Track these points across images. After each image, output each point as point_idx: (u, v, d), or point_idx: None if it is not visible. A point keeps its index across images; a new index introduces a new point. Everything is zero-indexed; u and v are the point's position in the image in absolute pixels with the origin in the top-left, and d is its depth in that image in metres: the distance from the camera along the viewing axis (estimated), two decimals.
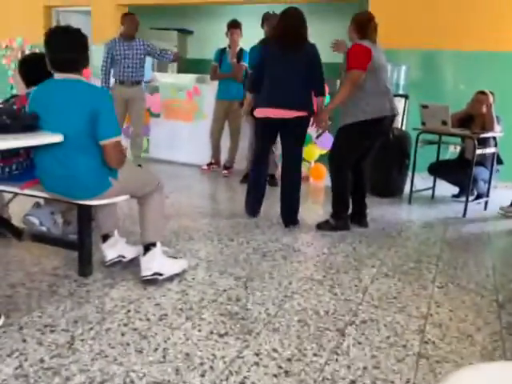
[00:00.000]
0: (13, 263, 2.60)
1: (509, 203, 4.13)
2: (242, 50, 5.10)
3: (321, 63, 3.39)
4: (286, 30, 3.32)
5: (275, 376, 1.71)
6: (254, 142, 3.76)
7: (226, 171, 5.32)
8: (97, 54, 7.45)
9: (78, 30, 2.28)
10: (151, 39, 6.00)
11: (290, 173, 3.53)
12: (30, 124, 2.08)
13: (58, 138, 2.08)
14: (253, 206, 3.68)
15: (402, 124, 4.95)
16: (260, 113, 3.44)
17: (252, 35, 5.16)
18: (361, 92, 3.29)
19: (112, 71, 5.02)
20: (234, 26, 5.05)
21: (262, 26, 4.67)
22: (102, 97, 2.25)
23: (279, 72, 3.33)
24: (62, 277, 2.45)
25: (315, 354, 1.86)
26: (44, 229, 2.69)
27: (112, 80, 5.08)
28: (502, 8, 5.14)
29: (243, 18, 5.40)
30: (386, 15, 5.67)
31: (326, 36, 8.07)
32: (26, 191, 2.44)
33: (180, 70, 8.18)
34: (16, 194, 2.64)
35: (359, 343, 1.96)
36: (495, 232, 3.75)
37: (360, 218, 3.64)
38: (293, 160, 3.52)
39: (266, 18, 4.59)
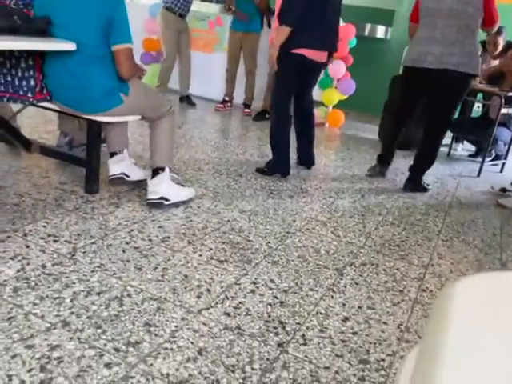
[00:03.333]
0: (21, 174, 2.61)
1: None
2: None
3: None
4: None
5: (270, 305, 1.73)
6: (276, 84, 3.18)
7: (247, 110, 5.20)
8: None
9: None
10: None
11: (310, 114, 3.42)
12: (41, 28, 1.99)
13: (70, 45, 2.00)
14: (286, 163, 3.24)
15: None
16: (301, 51, 2.97)
17: None
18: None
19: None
20: None
21: None
22: (117, 3, 2.14)
23: (329, 12, 2.99)
24: (68, 192, 2.46)
25: (311, 289, 1.87)
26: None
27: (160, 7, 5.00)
28: None
29: None
30: None
31: None
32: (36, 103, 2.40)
33: None
34: (26, 105, 2.60)
35: (356, 284, 1.97)
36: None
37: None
38: (311, 101, 3.42)
39: None
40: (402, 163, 4.08)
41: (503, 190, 3.50)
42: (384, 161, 3.54)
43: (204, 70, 5.55)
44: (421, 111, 3.46)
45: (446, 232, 2.69)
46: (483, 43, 4.41)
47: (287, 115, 3.17)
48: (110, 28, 2.09)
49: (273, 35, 3.06)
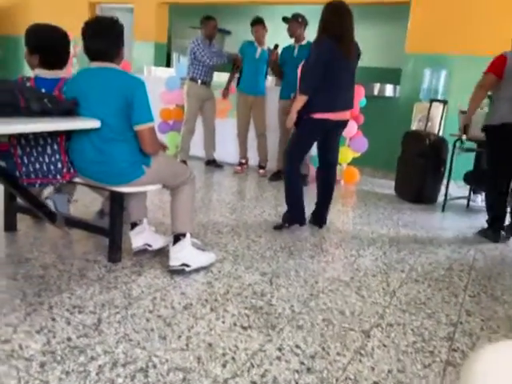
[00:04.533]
0: (46, 245, 2.68)
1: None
2: (277, 45, 5.08)
3: (359, 48, 3.31)
4: (348, 35, 3.12)
5: (297, 372, 1.69)
6: (293, 144, 3.31)
7: (262, 171, 5.31)
8: (138, 50, 7.65)
9: (112, 21, 2.33)
10: (190, 37, 6.09)
11: (332, 172, 3.49)
12: (69, 109, 2.13)
13: (95, 123, 2.13)
14: (302, 213, 3.40)
15: (439, 130, 4.84)
16: (322, 116, 3.14)
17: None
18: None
19: (190, 70, 5.25)
20: (255, 23, 5.05)
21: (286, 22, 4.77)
22: (136, 84, 2.28)
23: (342, 74, 3.14)
24: (92, 261, 2.51)
25: (338, 354, 1.83)
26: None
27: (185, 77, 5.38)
28: None
29: (279, 18, 5.41)
30: (426, 20, 5.59)
31: (371, 39, 8.04)
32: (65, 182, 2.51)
33: (217, 69, 8.27)
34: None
35: (384, 346, 1.92)
36: None
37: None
38: (335, 160, 3.50)
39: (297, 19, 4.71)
40: (419, 216, 4.06)
41: None
42: (500, 224, 3.56)
43: (218, 136, 5.71)
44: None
45: (472, 287, 2.63)
46: (491, 97, 4.49)
47: (299, 172, 3.37)
48: (131, 109, 2.23)
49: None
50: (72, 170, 2.35)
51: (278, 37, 5.36)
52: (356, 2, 6.20)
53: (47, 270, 2.36)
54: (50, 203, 2.73)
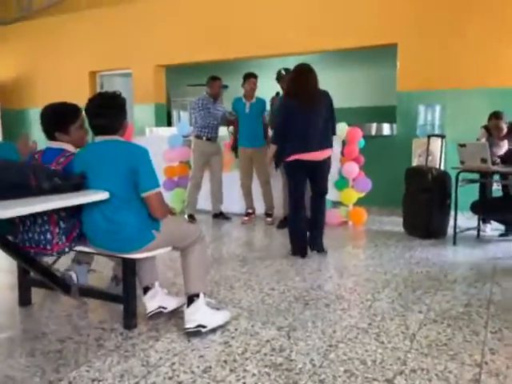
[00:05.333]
0: (61, 317, 2.69)
1: None
2: (260, 99, 5.31)
3: (333, 107, 3.90)
4: (303, 87, 3.77)
5: None
6: (287, 190, 4.03)
7: (269, 219, 5.36)
8: (138, 114, 7.89)
9: (114, 96, 2.45)
10: (188, 95, 6.33)
11: (320, 206, 3.98)
12: (78, 183, 2.21)
13: (103, 195, 2.19)
14: (302, 248, 3.94)
15: (440, 163, 4.89)
16: (292, 157, 3.80)
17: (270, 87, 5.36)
18: None
19: (196, 127, 5.45)
20: (249, 76, 5.27)
21: (278, 81, 5.00)
22: (140, 153, 2.37)
23: (304, 122, 3.77)
24: (108, 330, 2.50)
25: None
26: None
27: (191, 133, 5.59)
28: None
29: (274, 71, 5.62)
30: (414, 59, 5.78)
31: (364, 81, 8.26)
32: (77, 247, 2.55)
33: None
34: (59, 256, 2.75)
35: None
36: None
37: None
38: (323, 195, 3.99)
39: (282, 77, 4.91)
40: (430, 252, 4.04)
41: None
42: None
43: (224, 188, 5.78)
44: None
45: (492, 323, 2.59)
46: (487, 128, 4.58)
47: (297, 208, 3.89)
48: (137, 177, 2.31)
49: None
50: (61, 243, 2.39)
51: (267, 90, 5.57)
52: (345, 48, 6.45)
53: (64, 343, 2.35)
54: (72, 275, 2.77)
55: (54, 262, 2.86)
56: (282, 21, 6.57)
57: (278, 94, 5.25)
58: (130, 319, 2.51)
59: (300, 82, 3.80)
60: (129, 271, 2.49)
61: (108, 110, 2.38)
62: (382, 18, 5.92)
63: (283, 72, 4.89)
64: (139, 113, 7.94)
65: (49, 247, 2.38)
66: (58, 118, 2.61)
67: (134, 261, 2.48)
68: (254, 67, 6.02)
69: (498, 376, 2.02)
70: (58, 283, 2.60)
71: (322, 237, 4.03)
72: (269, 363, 2.14)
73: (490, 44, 5.37)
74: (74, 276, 2.89)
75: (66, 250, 2.47)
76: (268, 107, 5.39)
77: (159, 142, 5.96)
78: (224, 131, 5.78)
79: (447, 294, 3.05)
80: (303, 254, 3.91)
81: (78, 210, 2.42)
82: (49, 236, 2.37)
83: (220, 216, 5.63)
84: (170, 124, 9.01)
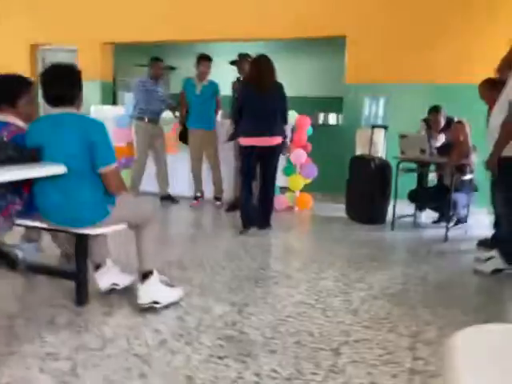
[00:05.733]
0: (9, 294, 2.62)
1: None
2: (212, 82, 5.31)
3: (286, 98, 4.17)
4: (259, 76, 4.07)
5: None
6: (240, 170, 4.35)
7: (218, 202, 5.40)
8: (85, 90, 7.59)
9: (68, 67, 2.42)
10: (136, 75, 6.19)
11: (268, 190, 4.25)
12: (33, 156, 2.16)
13: (61, 169, 2.16)
14: (247, 218, 4.21)
15: (382, 153, 5.16)
16: (246, 142, 4.10)
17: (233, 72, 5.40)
18: None
19: (137, 109, 5.36)
20: (203, 58, 5.26)
21: (235, 65, 5.19)
22: (97, 127, 2.36)
23: (258, 108, 4.06)
24: (59, 307, 2.48)
25: (313, 373, 1.93)
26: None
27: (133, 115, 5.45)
28: (470, 44, 5.50)
29: (224, 55, 5.65)
30: (362, 52, 6.00)
31: (313, 71, 8.44)
32: (23, 221, 2.50)
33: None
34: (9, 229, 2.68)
35: (354, 361, 2.04)
36: (480, 256, 3.89)
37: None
38: (272, 180, 4.25)
39: (238, 61, 5.14)
40: (371, 236, 4.28)
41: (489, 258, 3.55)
42: None
43: (171, 170, 5.75)
44: None
45: (427, 299, 2.82)
46: (426, 121, 4.88)
47: (248, 187, 4.23)
48: (94, 152, 2.29)
49: None
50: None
51: (220, 74, 5.60)
52: (295, 38, 6.58)
53: (14, 320, 2.32)
54: (18, 253, 2.69)
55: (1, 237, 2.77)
56: (234, 6, 6.58)
57: (238, 79, 5.29)
58: (82, 296, 2.50)
59: (258, 72, 4.08)
60: (81, 247, 2.48)
61: (64, 80, 2.34)
62: (333, 10, 6.08)
63: (240, 57, 5.05)
64: (85, 90, 7.65)
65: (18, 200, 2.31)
66: (3, 89, 2.51)
67: (87, 236, 2.47)
68: (204, 50, 5.98)
69: (430, 344, 2.23)
70: (3, 259, 2.54)
71: (270, 216, 4.28)
72: (222, 336, 2.23)
73: (433, 41, 5.68)
74: (20, 253, 2.81)
75: (40, 223, 2.40)
76: (227, 92, 5.44)
77: (105, 121, 5.81)
78: (169, 114, 5.72)
79: (386, 273, 3.27)
80: (245, 226, 4.22)
81: (23, 184, 2.35)
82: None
83: (167, 199, 5.60)
84: (115, 103, 8.77)
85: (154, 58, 5.40)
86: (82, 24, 7.46)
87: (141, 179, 5.44)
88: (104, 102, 7.64)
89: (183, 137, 5.45)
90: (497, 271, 3.30)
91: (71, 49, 7.78)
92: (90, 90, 7.63)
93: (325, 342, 2.20)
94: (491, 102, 3.50)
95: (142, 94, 5.28)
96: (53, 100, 2.36)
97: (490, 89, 3.73)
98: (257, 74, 4.10)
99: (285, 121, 4.22)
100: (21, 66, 7.35)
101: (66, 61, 2.53)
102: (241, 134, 4.18)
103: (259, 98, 4.05)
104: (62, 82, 2.35)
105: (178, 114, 5.54)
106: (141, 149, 5.39)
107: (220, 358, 2.03)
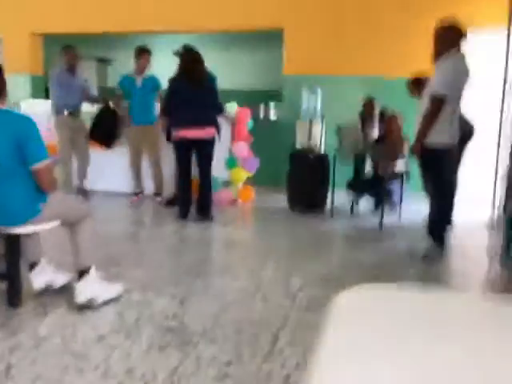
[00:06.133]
0: None
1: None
2: (152, 76, 5.21)
3: (216, 89, 4.30)
4: (193, 68, 4.20)
5: (216, 380, 1.81)
6: (176, 163, 4.54)
7: (159, 198, 5.32)
8: (11, 86, 7.22)
9: None
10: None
11: (204, 182, 4.39)
12: None
13: None
14: (183, 209, 4.38)
15: (320, 145, 5.31)
16: (179, 134, 4.23)
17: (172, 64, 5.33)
18: None
19: (56, 101, 5.10)
20: (142, 51, 5.13)
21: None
22: (27, 123, 2.28)
23: (189, 99, 4.16)
24: None
25: (252, 357, 1.99)
26: None
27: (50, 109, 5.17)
28: (402, 40, 5.77)
29: (162, 47, 5.56)
30: (299, 44, 6.13)
31: (251, 64, 8.49)
32: None
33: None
34: None
35: (292, 344, 2.12)
36: (413, 241, 4.10)
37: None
38: (207, 172, 4.37)
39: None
40: (310, 224, 4.41)
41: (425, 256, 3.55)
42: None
43: (106, 166, 5.58)
44: None
45: (362, 281, 2.95)
46: (362, 113, 5.08)
47: (184, 178, 4.41)
48: (25, 149, 2.21)
49: None
50: None
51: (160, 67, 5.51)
52: (232, 30, 6.61)
53: None
54: None
55: None
56: None
57: None
58: (14, 297, 2.42)
59: (191, 63, 4.19)
60: (13, 247, 2.39)
61: None
62: (270, 2, 6.16)
63: (180, 50, 4.93)
64: (12, 85, 7.28)
65: None
66: None
67: (18, 236, 2.38)
68: (141, 42, 5.87)
69: None
70: None
71: (210, 207, 4.39)
72: (163, 328, 2.24)
73: (368, 34, 5.89)
74: None
75: None
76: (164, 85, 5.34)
77: (37, 117, 5.55)
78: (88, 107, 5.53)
79: (325, 259, 3.39)
80: (184, 216, 4.37)
81: None
82: None
83: (82, 192, 5.29)
84: (48, 97, 8.41)
85: (65, 46, 5.15)
86: (7, 12, 7.08)
87: (70, 175, 5.24)
88: (35, 96, 7.31)
89: (98, 135, 5.13)
90: (429, 254, 3.51)
91: None
92: (19, 84, 7.28)
93: (264, 328, 2.27)
94: (420, 96, 3.71)
95: (59, 87, 5.04)
96: None
97: (418, 87, 3.97)
98: (190, 65, 4.19)
99: (220, 109, 4.39)
100: None
101: None
102: (174, 126, 4.27)
103: (191, 89, 4.15)
104: None
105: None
106: (62, 144, 5.17)
107: (160, 348, 2.04)
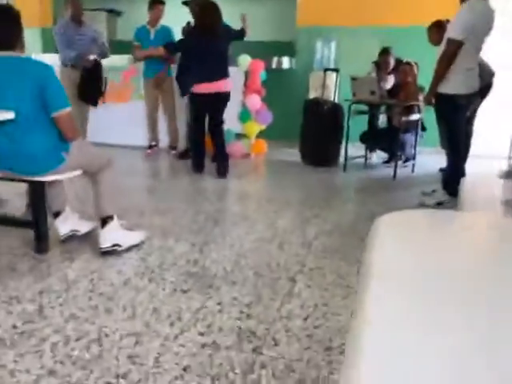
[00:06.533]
0: None
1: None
2: (165, 27, 5.12)
3: (230, 28, 4.29)
4: (210, 21, 4.10)
5: (238, 319, 1.90)
6: (191, 118, 4.55)
7: (174, 151, 5.36)
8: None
9: (7, 7, 2.32)
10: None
11: (218, 134, 4.39)
12: None
13: (9, 114, 2.11)
14: (197, 163, 4.44)
15: (334, 96, 5.25)
16: (198, 89, 4.19)
17: (183, 16, 5.23)
18: None
19: (61, 54, 4.98)
20: (156, 2, 5.02)
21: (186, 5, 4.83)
22: (47, 71, 2.29)
23: (206, 54, 4.12)
24: (19, 255, 2.49)
25: (271, 299, 2.07)
26: None
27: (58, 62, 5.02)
28: None
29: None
30: None
31: (264, 15, 8.26)
32: None
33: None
34: None
35: (309, 287, 2.20)
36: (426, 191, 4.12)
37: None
38: (221, 126, 4.39)
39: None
40: (324, 178, 4.44)
41: (433, 190, 3.76)
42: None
43: (123, 119, 5.62)
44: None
45: None
46: (377, 63, 4.97)
47: (198, 132, 4.43)
48: (46, 96, 2.23)
49: None
50: None
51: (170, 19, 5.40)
52: None
53: None
54: None
55: None
56: None
57: (189, 23, 5.14)
58: (41, 243, 2.51)
59: (203, 16, 4.12)
60: (38, 195, 2.46)
61: (2, 22, 2.23)
62: None
63: None
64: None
65: None
66: None
67: (42, 184, 2.45)
68: None
69: None
70: None
71: (227, 163, 4.34)
72: (185, 272, 2.33)
73: None
74: None
75: None
76: (177, 36, 5.25)
77: None
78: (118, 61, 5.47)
79: (339, 210, 3.44)
80: (200, 170, 4.43)
81: None
82: None
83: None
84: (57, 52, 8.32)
85: None
86: None
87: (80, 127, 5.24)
88: (46, 49, 7.23)
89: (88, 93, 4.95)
90: (440, 204, 3.54)
91: None
92: (30, 37, 7.18)
93: (281, 272, 2.35)
94: (440, 43, 3.62)
95: (63, 38, 4.88)
96: None
97: (438, 31, 3.84)
98: (203, 18, 4.13)
99: (242, 34, 4.41)
100: None
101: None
102: (193, 81, 4.19)
103: (205, 43, 4.09)
104: (1, 25, 2.24)
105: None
106: (68, 96, 5.10)
107: (184, 291, 2.13)
